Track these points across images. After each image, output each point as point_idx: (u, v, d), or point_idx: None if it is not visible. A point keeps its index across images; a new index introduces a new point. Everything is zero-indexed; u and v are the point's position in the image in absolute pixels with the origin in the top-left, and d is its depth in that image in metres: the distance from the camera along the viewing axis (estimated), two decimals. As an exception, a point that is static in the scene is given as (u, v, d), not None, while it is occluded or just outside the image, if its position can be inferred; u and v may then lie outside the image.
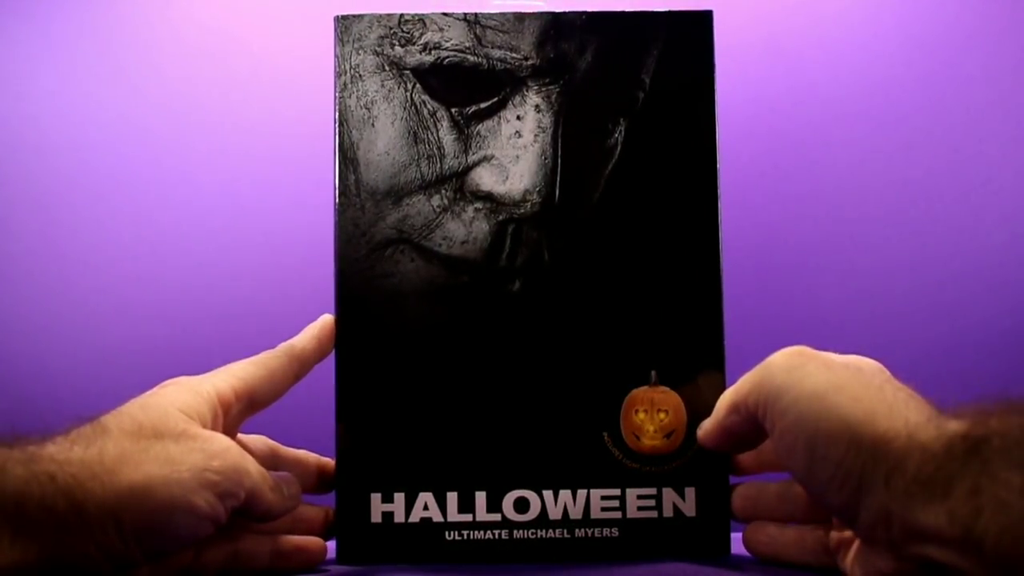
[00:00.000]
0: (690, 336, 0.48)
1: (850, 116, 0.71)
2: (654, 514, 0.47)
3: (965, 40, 0.70)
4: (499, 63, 0.49)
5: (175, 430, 0.39)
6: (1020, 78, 0.70)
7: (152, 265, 0.70)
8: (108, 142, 0.71)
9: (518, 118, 0.49)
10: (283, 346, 0.47)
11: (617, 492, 0.47)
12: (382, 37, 0.49)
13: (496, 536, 0.47)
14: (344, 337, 0.48)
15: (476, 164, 0.49)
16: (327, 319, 0.48)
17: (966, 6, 0.70)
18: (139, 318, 0.70)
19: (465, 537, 0.47)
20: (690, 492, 0.47)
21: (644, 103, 0.49)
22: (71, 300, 0.70)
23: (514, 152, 0.48)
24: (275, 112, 0.71)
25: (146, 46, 0.72)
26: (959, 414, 0.33)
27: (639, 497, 0.47)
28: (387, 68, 0.49)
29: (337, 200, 0.49)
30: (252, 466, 0.41)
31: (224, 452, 0.39)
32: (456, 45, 0.49)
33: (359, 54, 0.49)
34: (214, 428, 0.42)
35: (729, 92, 0.52)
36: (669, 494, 0.47)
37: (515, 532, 0.47)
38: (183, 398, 0.41)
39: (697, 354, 0.48)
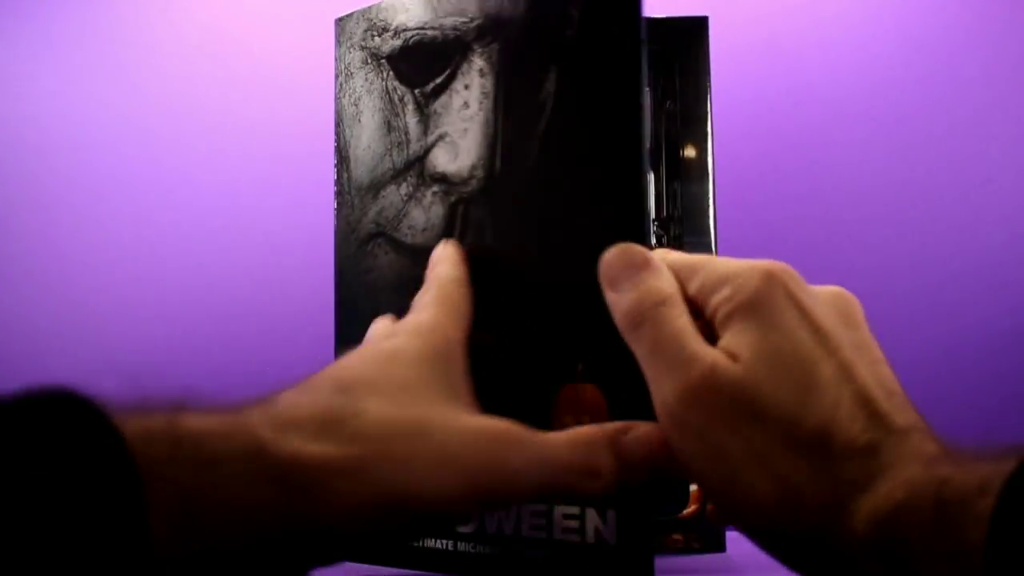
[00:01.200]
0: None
1: (850, 116, 0.71)
2: (578, 538, 0.38)
3: (965, 40, 0.70)
4: (451, 32, 0.44)
5: (441, 424, 0.32)
6: (1020, 78, 0.70)
7: (152, 265, 0.70)
8: (108, 142, 0.71)
9: (466, 87, 0.43)
10: (443, 278, 0.39)
11: (544, 508, 0.39)
12: (366, 31, 0.48)
13: (443, 547, 0.42)
14: (342, 335, 0.47)
15: (433, 145, 0.44)
16: (447, 244, 0.42)
17: (966, 6, 0.70)
18: (139, 318, 0.70)
19: (415, 543, 0.43)
20: (611, 515, 0.37)
21: (574, 43, 0.40)
22: (71, 300, 0.70)
23: (463, 125, 0.43)
24: (275, 112, 0.71)
25: (146, 46, 0.72)
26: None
27: (565, 516, 0.39)
28: (369, 61, 0.47)
29: (335, 199, 0.49)
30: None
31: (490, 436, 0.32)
32: (418, 22, 0.45)
33: (351, 52, 0.48)
34: (465, 397, 0.35)
35: (728, 93, 0.52)
36: (592, 516, 0.38)
37: (459, 544, 0.42)
38: (439, 381, 0.34)
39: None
